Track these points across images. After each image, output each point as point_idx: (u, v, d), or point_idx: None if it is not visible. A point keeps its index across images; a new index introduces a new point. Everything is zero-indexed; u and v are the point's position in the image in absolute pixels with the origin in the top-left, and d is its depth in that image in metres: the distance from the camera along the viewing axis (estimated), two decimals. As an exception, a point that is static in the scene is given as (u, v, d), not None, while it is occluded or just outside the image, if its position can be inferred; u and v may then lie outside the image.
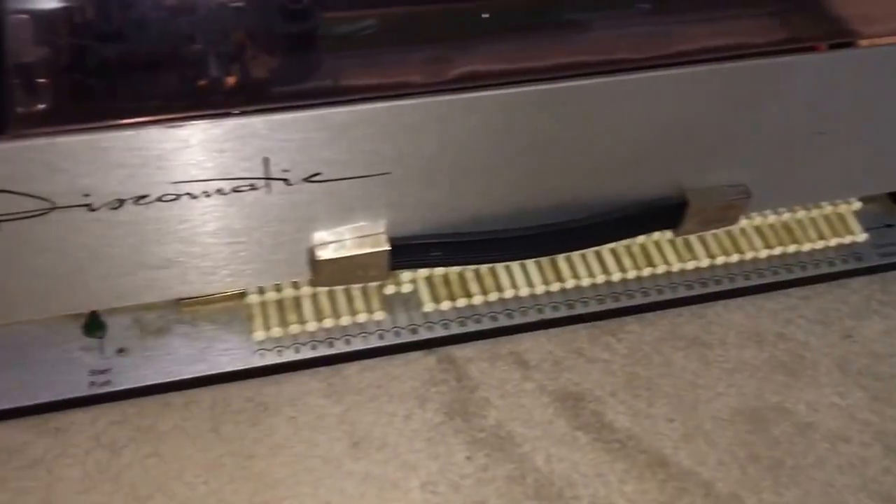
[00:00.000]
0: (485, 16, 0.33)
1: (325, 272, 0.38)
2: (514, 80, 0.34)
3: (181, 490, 0.43)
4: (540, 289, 0.48)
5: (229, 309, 0.47)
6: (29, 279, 0.35)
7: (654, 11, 0.36)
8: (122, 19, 0.30)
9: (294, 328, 0.46)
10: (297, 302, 0.47)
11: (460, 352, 0.48)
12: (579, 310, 0.49)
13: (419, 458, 0.44)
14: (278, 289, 0.47)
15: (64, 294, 0.36)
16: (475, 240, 0.40)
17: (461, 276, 0.48)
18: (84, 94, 0.31)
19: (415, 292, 0.48)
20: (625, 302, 0.49)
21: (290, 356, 0.46)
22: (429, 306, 0.48)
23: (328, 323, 0.47)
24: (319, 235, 0.38)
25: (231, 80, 0.32)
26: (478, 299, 0.48)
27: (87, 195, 0.33)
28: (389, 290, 0.48)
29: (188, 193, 0.34)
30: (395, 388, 0.47)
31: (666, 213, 0.43)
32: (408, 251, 0.39)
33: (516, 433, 0.46)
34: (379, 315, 0.47)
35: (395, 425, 0.46)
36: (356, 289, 0.47)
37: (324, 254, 0.38)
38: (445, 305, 0.48)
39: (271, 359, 0.46)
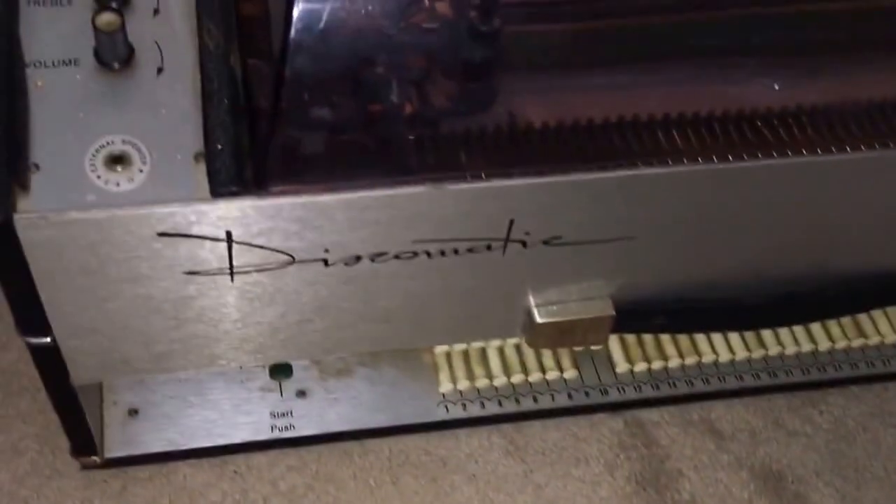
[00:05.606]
0: (776, 87, 0.31)
1: (543, 334, 0.36)
2: (788, 148, 0.31)
3: (364, 547, 0.41)
4: (741, 355, 0.45)
5: (409, 352, 0.45)
6: (250, 329, 0.33)
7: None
8: (399, 82, 0.28)
9: (480, 382, 0.44)
10: (483, 354, 0.45)
11: (647, 415, 0.45)
12: (781, 379, 0.45)
13: (611, 531, 0.42)
14: (466, 340, 0.45)
15: (282, 344, 0.34)
16: (704, 308, 0.37)
17: (656, 336, 0.45)
18: (346, 151, 0.29)
19: (605, 349, 0.46)
20: (830, 373, 0.46)
21: (474, 411, 0.44)
22: (622, 367, 0.45)
23: (516, 378, 0.44)
24: (542, 296, 0.36)
25: (495, 141, 0.30)
26: (674, 362, 0.45)
27: (327, 251, 0.31)
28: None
29: (426, 252, 0.32)
30: (582, 450, 0.44)
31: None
32: (633, 317, 0.36)
33: (714, 511, 0.43)
34: (570, 373, 0.45)
35: (584, 492, 0.43)
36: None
37: (545, 316, 0.36)
38: (640, 367, 0.45)
39: (455, 413, 0.44)
